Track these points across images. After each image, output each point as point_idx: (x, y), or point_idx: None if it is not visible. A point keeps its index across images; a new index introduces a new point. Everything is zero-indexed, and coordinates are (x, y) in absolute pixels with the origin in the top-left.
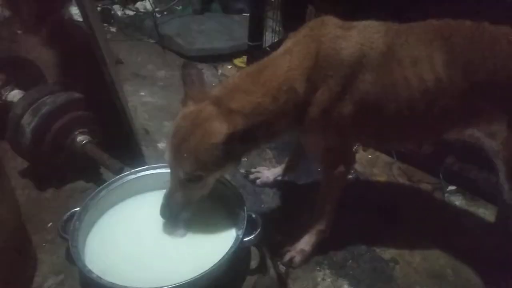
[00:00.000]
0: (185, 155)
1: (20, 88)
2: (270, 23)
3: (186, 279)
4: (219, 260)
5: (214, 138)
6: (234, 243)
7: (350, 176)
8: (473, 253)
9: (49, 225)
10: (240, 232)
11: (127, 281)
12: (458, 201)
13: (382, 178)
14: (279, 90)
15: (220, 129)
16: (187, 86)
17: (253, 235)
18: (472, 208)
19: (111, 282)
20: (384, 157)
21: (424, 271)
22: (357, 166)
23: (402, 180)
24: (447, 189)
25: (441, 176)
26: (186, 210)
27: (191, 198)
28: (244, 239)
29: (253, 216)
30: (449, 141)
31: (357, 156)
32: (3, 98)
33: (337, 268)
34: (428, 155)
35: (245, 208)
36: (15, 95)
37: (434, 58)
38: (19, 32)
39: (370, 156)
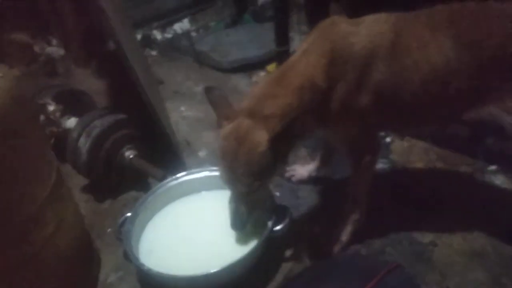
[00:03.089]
0: (239, 171)
1: (75, 116)
2: (297, 26)
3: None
4: (251, 249)
5: (259, 148)
6: (265, 232)
7: (385, 166)
8: None
9: (109, 230)
10: (270, 223)
11: (174, 270)
12: (499, 180)
13: (419, 164)
14: (303, 87)
15: (261, 137)
16: (216, 108)
17: (282, 225)
18: None
19: (160, 272)
20: (421, 144)
21: (464, 252)
22: (393, 155)
23: (440, 165)
24: (488, 170)
25: (480, 156)
26: (253, 217)
27: (255, 206)
28: (274, 229)
29: (283, 208)
30: (486, 122)
31: (393, 145)
32: (63, 126)
33: (375, 254)
34: (466, 138)
35: (274, 201)
36: (72, 122)
37: (441, 40)
38: (73, 67)
39: (406, 144)
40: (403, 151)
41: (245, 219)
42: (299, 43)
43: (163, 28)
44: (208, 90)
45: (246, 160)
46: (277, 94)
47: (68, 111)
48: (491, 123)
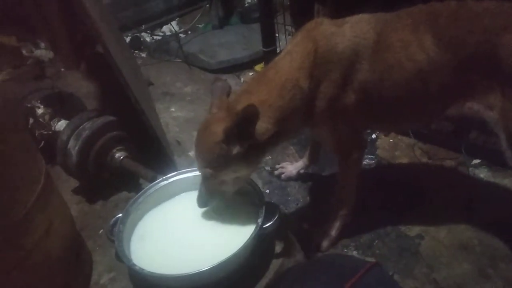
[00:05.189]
0: (197, 154)
1: (65, 118)
2: (284, 27)
3: (214, 264)
4: (241, 246)
5: (214, 137)
6: (255, 230)
7: (371, 162)
8: (500, 223)
9: (100, 231)
10: (260, 220)
11: (166, 269)
12: (483, 173)
13: (404, 160)
14: (284, 88)
15: (219, 128)
16: (213, 96)
17: (272, 221)
18: (498, 179)
19: (151, 272)
20: (406, 140)
21: (450, 244)
22: (379, 151)
23: (424, 159)
24: (471, 163)
25: (463, 151)
26: (213, 201)
27: (213, 191)
28: (264, 226)
29: (272, 205)
30: (469, 117)
31: (379, 141)
32: (52, 129)
33: (364, 248)
34: (450, 133)
35: (263, 199)
36: (61, 125)
37: (423, 39)
38: (62, 70)
39: (391, 140)
40: (389, 147)
41: (204, 199)
42: (286, 44)
43: (152, 30)
44: (214, 81)
45: (202, 146)
46: (254, 91)
47: (58, 114)
48: (474, 118)
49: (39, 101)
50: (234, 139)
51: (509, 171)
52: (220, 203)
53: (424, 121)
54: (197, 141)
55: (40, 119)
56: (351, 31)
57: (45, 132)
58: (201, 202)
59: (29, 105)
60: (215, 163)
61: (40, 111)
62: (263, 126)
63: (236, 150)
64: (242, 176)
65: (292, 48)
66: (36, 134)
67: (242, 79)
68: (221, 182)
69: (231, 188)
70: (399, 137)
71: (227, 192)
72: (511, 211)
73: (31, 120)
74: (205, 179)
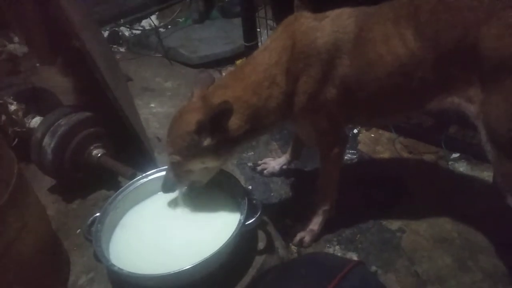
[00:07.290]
0: (168, 139)
1: (40, 115)
2: (266, 21)
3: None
4: (223, 244)
5: (187, 127)
6: (237, 227)
7: (353, 156)
8: (479, 216)
9: (78, 231)
10: (242, 217)
11: (146, 269)
12: (462, 167)
13: (385, 154)
14: (260, 86)
15: (193, 119)
16: (195, 87)
17: (254, 218)
18: (477, 173)
19: (131, 272)
20: (387, 135)
21: (430, 237)
22: (360, 146)
23: (405, 154)
24: (451, 157)
25: (443, 145)
26: (178, 188)
27: (180, 180)
28: (246, 223)
29: (254, 201)
30: (449, 112)
31: (360, 136)
32: (26, 125)
33: (346, 243)
34: (430, 127)
35: (245, 195)
36: (36, 121)
37: (404, 33)
38: (37, 65)
39: (373, 135)
40: (370, 141)
41: (170, 185)
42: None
43: (130, 25)
44: (199, 72)
45: (174, 133)
46: (229, 86)
47: (32, 110)
48: (454, 112)
49: (11, 97)
50: (206, 132)
51: (488, 164)
52: (204, 201)
53: (405, 115)
54: (170, 127)
55: (13, 116)
56: (332, 25)
57: (19, 129)
58: (166, 188)
59: (1, 101)
60: (184, 152)
61: (13, 107)
62: (236, 122)
63: (207, 142)
64: (211, 168)
65: (270, 43)
66: (9, 132)
67: (223, 74)
68: (188, 171)
69: (198, 178)
70: (380, 132)
71: (195, 182)
72: (490, 204)
73: (3, 117)
74: (172, 165)
